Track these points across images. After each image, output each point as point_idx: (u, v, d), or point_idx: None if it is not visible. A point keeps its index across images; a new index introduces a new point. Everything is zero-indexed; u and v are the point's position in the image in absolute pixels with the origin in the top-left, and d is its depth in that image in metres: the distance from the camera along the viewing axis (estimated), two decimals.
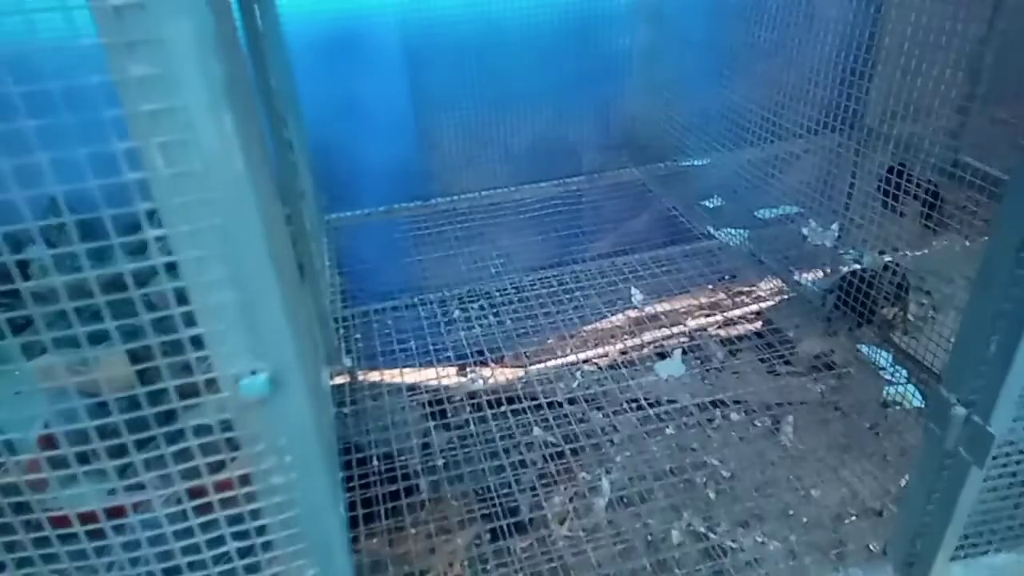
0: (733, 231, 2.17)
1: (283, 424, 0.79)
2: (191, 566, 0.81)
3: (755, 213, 2.16)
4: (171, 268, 0.69)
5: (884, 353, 1.96)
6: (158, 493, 0.78)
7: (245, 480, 0.81)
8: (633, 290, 2.18)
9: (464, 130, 2.15)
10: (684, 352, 2.07)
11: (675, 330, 2.16)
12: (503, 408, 1.90)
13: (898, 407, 1.87)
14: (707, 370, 2.06)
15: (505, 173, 2.22)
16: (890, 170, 1.89)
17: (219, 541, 0.83)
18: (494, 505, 1.65)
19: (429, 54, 2.08)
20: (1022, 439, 1.08)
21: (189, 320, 0.73)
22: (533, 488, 1.70)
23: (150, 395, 0.74)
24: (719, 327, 2.21)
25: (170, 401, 0.76)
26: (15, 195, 0.62)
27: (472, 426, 1.85)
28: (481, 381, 2.00)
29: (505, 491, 1.68)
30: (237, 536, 0.82)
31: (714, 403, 1.96)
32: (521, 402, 1.90)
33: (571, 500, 1.67)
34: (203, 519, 0.79)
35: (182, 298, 0.71)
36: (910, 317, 1.98)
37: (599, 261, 2.23)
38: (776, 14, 2.08)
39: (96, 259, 0.68)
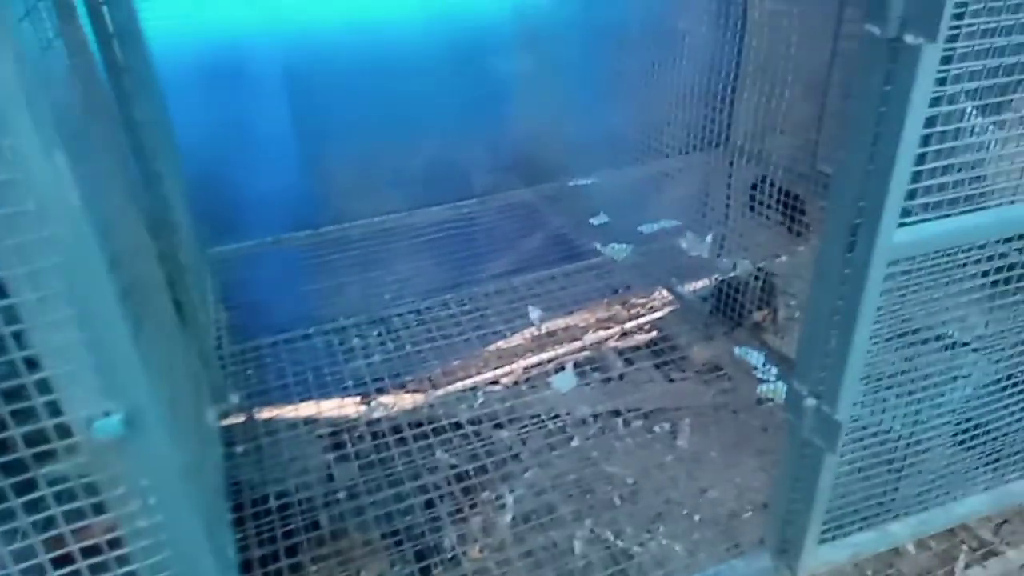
0: (619, 246, 2.29)
1: (143, 465, 0.78)
2: None
3: (639, 228, 2.28)
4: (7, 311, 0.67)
5: (756, 353, 2.12)
6: (9, 549, 0.75)
7: (109, 527, 0.79)
8: (530, 308, 2.24)
9: (353, 156, 2.16)
10: (577, 365, 2.15)
11: (574, 345, 2.23)
12: (405, 434, 1.90)
13: (771, 403, 2.01)
14: (606, 381, 2.14)
15: (397, 198, 2.24)
16: (757, 182, 2.05)
17: None
18: (399, 534, 1.65)
19: (313, 80, 2.09)
20: (870, 423, 1.20)
21: (32, 364, 0.71)
22: (437, 514, 1.71)
23: None
24: (616, 339, 2.31)
25: (17, 451, 0.73)
26: None
27: (374, 455, 1.84)
28: (382, 409, 2.00)
29: (409, 518, 1.69)
30: None
31: (614, 412, 2.04)
32: (423, 427, 1.90)
33: (476, 521, 1.69)
34: (64, 571, 0.77)
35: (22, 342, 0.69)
36: (778, 319, 2.14)
37: (495, 282, 2.28)
38: (642, 42, 2.23)
39: None
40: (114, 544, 0.84)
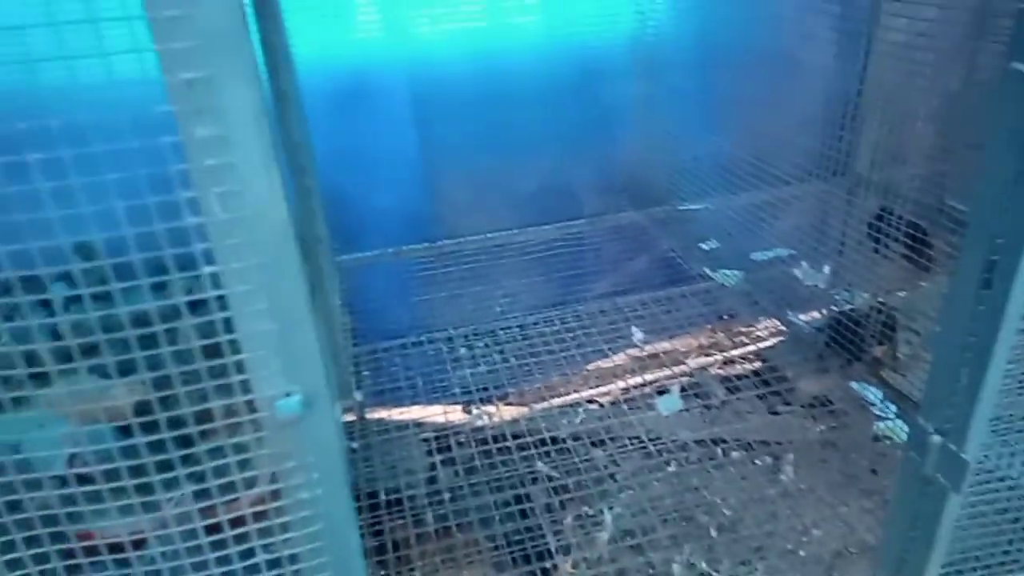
0: (730, 272, 2.29)
1: (312, 443, 0.89)
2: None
3: (751, 255, 2.28)
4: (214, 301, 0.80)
5: (874, 390, 2.06)
6: (198, 506, 0.88)
7: (275, 496, 0.91)
8: (634, 329, 2.29)
9: (470, 176, 2.29)
10: (683, 389, 2.16)
11: (675, 369, 2.25)
12: (507, 444, 1.98)
13: (888, 441, 1.95)
14: (707, 409, 2.15)
15: (509, 216, 2.35)
16: (878, 214, 2.02)
17: (250, 553, 0.92)
18: (499, 539, 1.73)
19: (436, 103, 2.24)
20: (997, 467, 1.17)
21: (234, 347, 0.84)
22: (537, 523, 1.77)
23: (196, 417, 0.85)
24: (719, 366, 2.31)
25: (214, 422, 0.86)
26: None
27: (477, 461, 1.93)
28: (486, 418, 2.09)
29: (510, 525, 1.76)
30: (266, 548, 0.91)
31: (715, 441, 2.04)
32: (525, 438, 1.98)
33: (574, 534, 1.74)
34: (237, 531, 0.89)
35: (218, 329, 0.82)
36: (899, 355, 2.08)
37: (600, 301, 2.34)
38: (759, 68, 2.25)
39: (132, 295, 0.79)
40: (259, 516, 0.96)
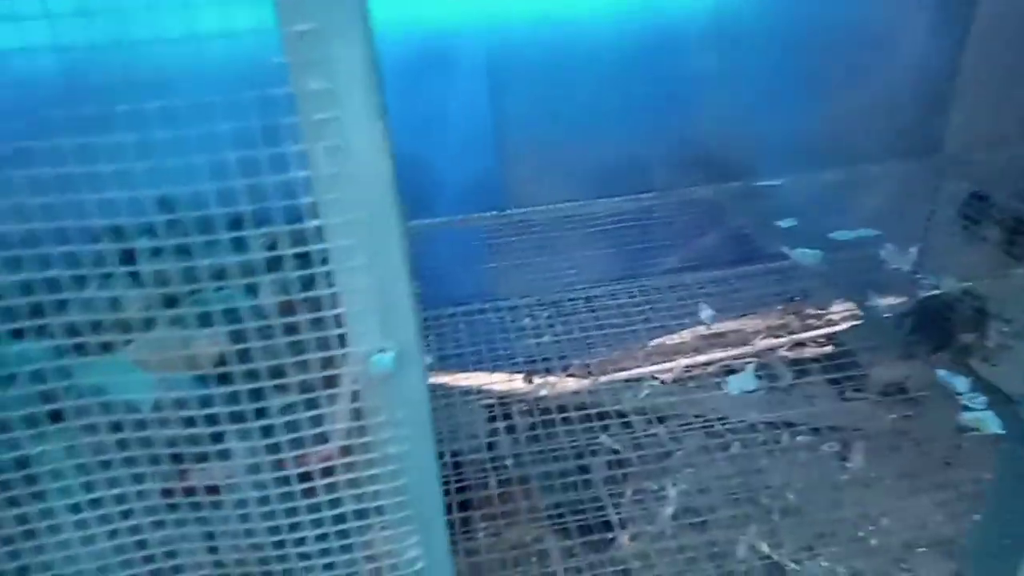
0: (808, 251, 2.23)
1: (402, 399, 0.91)
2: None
3: (830, 235, 2.21)
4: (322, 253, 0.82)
5: (962, 379, 1.98)
6: (293, 454, 0.91)
7: (359, 450, 0.93)
8: (702, 306, 2.25)
9: (541, 144, 2.27)
10: (744, 369, 2.13)
11: (743, 349, 2.21)
12: (569, 415, 1.99)
13: (974, 432, 1.88)
14: (774, 391, 2.11)
15: (579, 187, 2.32)
16: (972, 196, 1.92)
17: (339, 503, 0.95)
18: (561, 507, 1.75)
19: (510, 72, 2.22)
20: None
21: (332, 302, 0.85)
22: (598, 494, 1.78)
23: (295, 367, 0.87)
24: (788, 348, 2.26)
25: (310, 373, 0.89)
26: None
27: (540, 430, 1.95)
28: (548, 388, 2.10)
29: (572, 494, 1.78)
30: (355, 499, 0.94)
31: (781, 424, 2.01)
32: (587, 410, 1.98)
33: (636, 508, 1.75)
34: (328, 480, 0.92)
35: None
36: (989, 344, 1.99)
37: (668, 276, 2.31)
38: (846, 42, 2.15)
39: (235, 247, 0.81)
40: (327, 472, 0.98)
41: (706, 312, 2.25)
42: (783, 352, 2.25)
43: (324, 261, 0.82)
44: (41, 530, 1.04)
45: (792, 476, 1.87)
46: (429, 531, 1.00)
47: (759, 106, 2.25)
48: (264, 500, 0.97)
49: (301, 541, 0.98)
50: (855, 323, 2.28)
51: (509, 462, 1.88)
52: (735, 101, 2.25)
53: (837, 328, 2.29)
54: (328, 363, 0.88)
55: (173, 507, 1.09)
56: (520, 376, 2.15)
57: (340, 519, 0.95)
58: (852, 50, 2.16)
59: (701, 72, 2.26)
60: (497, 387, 2.11)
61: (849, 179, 2.16)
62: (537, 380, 2.13)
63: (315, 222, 0.80)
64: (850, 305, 2.30)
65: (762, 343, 2.24)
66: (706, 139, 2.29)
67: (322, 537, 0.95)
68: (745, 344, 2.23)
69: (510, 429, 2.00)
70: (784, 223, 2.24)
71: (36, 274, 0.82)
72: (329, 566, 0.98)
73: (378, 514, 0.97)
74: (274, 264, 0.84)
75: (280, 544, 0.97)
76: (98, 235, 0.79)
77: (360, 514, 0.97)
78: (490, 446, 1.96)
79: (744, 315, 2.26)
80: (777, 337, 2.28)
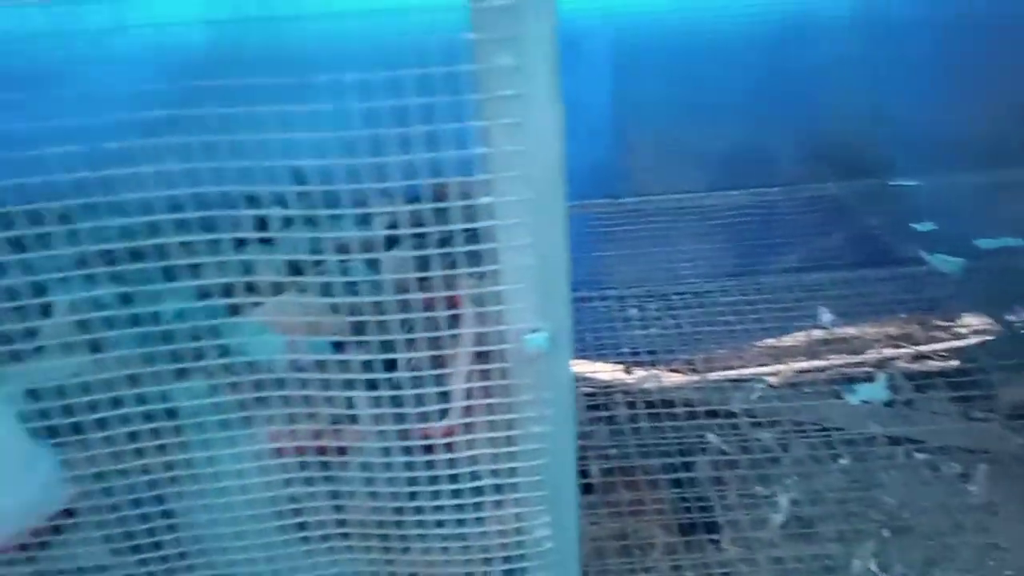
0: (949, 259, 2.09)
1: (550, 380, 0.92)
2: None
3: (975, 242, 2.07)
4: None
5: None
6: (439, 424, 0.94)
7: (508, 426, 0.95)
8: (820, 309, 2.16)
9: (661, 132, 2.23)
10: (868, 380, 2.03)
11: (862, 357, 2.11)
12: (674, 410, 1.96)
13: None
14: (890, 404, 2.01)
15: (698, 177, 2.27)
16: None
17: (478, 476, 0.97)
18: (664, 503, 1.73)
19: (635, 58, 2.18)
20: None
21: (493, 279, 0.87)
22: (705, 494, 1.76)
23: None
24: (910, 360, 2.14)
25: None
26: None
27: (644, 423, 1.93)
28: (654, 380, 2.07)
29: (678, 491, 1.75)
30: (494, 474, 0.96)
31: (897, 440, 1.92)
32: (694, 407, 1.95)
33: (745, 512, 1.71)
34: (472, 452, 0.95)
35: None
36: None
37: (786, 276, 2.23)
38: (1005, 34, 1.99)
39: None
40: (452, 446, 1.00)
41: (825, 315, 2.15)
42: (903, 364, 2.13)
43: (486, 239, 0.84)
44: (183, 478, 1.12)
45: (909, 495, 1.78)
46: (561, 513, 1.01)
47: (901, 99, 2.12)
48: (397, 466, 1.01)
49: (436, 509, 1.01)
50: (988, 338, 2.14)
51: (612, 452, 1.88)
52: (874, 93, 2.13)
53: (966, 342, 2.15)
54: (479, 340, 0.90)
55: (304, 466, 1.15)
56: (624, 367, 2.13)
57: (478, 491, 0.98)
58: (1010, 44, 2.00)
59: (838, 60, 2.15)
60: (600, 376, 2.10)
61: (996, 182, 2.01)
62: (641, 372, 2.11)
63: (485, 199, 0.81)
64: (985, 318, 2.15)
65: (882, 352, 2.13)
66: (838, 133, 2.19)
67: (458, 508, 0.98)
68: (864, 351, 2.13)
69: (611, 420, 1.99)
70: (921, 226, 2.12)
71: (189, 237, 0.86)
72: (461, 536, 1.01)
73: (513, 491, 0.99)
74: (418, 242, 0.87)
75: (417, 510, 1.01)
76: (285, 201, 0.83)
77: (497, 489, 0.99)
78: (590, 435, 1.96)
79: (866, 321, 2.15)
80: (899, 347, 2.16)
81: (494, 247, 0.84)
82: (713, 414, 1.95)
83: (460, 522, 1.06)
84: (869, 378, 2.01)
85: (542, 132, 0.79)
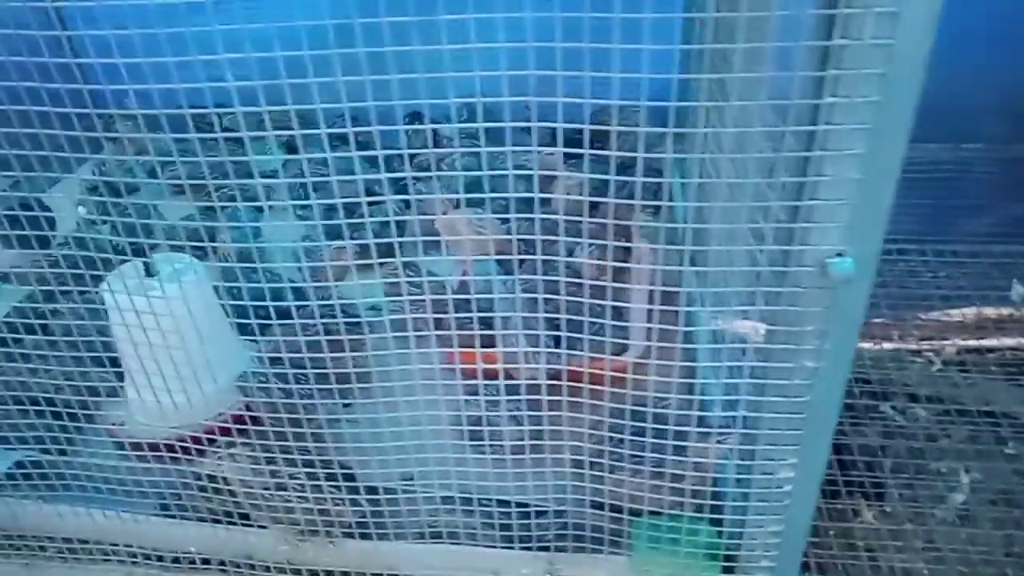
0: None
1: (840, 313, 0.85)
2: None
3: None
4: None
5: None
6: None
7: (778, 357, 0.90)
8: (1014, 284, 2.01)
9: None
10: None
11: None
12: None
13: None
14: None
15: None
16: None
17: (734, 405, 0.93)
18: (831, 465, 1.66)
19: None
20: None
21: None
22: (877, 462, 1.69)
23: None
24: None
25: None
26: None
27: None
28: None
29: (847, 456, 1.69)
30: (750, 406, 0.92)
31: None
32: (866, 375, 1.86)
33: (923, 489, 1.64)
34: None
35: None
36: None
37: (976, 243, 2.07)
38: None
39: None
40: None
41: (1018, 290, 2.00)
42: None
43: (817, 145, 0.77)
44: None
45: None
46: (812, 457, 0.96)
47: None
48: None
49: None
50: None
51: None
52: None
53: None
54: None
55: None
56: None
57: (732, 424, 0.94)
58: None
59: None
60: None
61: None
62: None
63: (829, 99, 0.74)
64: None
65: None
66: None
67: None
68: None
69: None
70: None
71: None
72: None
73: (766, 426, 0.94)
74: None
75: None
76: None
77: (751, 422, 0.95)
78: None
79: None
80: None
81: (820, 155, 0.77)
82: (889, 382, 1.85)
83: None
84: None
85: (915, 22, 0.70)
